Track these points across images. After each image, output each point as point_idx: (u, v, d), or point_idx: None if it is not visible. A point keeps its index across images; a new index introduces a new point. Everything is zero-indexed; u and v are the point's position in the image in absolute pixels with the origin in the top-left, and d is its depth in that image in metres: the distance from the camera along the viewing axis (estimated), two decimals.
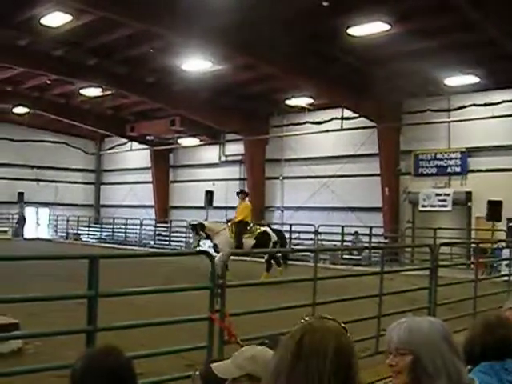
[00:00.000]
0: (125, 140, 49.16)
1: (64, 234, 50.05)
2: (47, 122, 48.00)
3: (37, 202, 51.55)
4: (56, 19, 26.27)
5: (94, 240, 47.14)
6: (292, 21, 24.86)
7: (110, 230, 48.20)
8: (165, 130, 43.00)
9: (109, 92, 38.22)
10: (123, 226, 46.89)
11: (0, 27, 29.32)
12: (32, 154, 50.20)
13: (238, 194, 23.56)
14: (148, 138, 46.41)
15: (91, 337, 7.25)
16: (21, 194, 50.14)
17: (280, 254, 21.97)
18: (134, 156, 50.17)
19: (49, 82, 38.65)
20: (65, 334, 8.64)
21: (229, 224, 22.48)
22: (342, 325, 2.53)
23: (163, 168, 48.59)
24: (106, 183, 55.32)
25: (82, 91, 38.11)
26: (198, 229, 22.60)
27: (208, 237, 22.65)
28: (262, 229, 22.62)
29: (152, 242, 43.45)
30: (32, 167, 50.84)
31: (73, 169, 53.48)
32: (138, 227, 45.68)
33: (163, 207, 48.13)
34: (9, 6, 26.50)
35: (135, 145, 48.73)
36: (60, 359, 8.79)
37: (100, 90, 37.32)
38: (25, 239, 46.90)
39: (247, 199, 23.37)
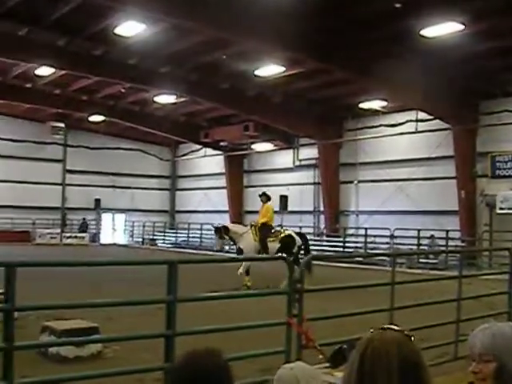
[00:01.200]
0: (199, 146, 49.48)
1: (140, 240, 50.73)
2: (122, 129, 48.78)
3: (113, 208, 52.38)
4: (129, 28, 26.63)
5: (169, 245, 47.64)
6: (366, 24, 24.66)
7: (186, 236, 48.61)
8: (239, 136, 43.13)
9: (182, 99, 38.58)
10: (198, 232, 47.21)
11: (75, 38, 29.97)
12: (108, 161, 51.06)
13: (260, 196, 22.91)
14: (222, 143, 46.63)
15: (170, 341, 7.26)
16: (97, 201, 51.04)
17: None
18: (209, 162, 50.43)
19: (123, 90, 39.24)
20: (144, 338, 8.70)
21: (251, 227, 22.03)
22: (406, 333, 2.47)
23: (237, 173, 48.74)
24: (180, 189, 55.82)
25: (155, 99, 38.56)
26: (221, 232, 22.17)
27: (232, 240, 22.38)
28: (287, 232, 22.29)
29: (227, 248, 43.56)
30: (108, 174, 51.68)
31: (148, 175, 54.16)
32: (213, 232, 45.88)
33: (237, 212, 48.21)
34: (83, 17, 27.03)
35: (209, 151, 48.98)
36: (138, 363, 8.90)
37: (174, 97, 37.69)
38: (101, 245, 47.78)
39: (270, 202, 22.74)
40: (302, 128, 39.73)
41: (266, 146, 44.89)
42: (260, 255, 20.48)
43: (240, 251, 21.35)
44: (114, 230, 53.54)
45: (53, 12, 27.26)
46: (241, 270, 20.25)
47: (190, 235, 47.99)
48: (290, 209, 39.91)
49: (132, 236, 52.40)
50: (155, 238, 50.48)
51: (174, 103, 39.74)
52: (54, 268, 16.44)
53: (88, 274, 18.35)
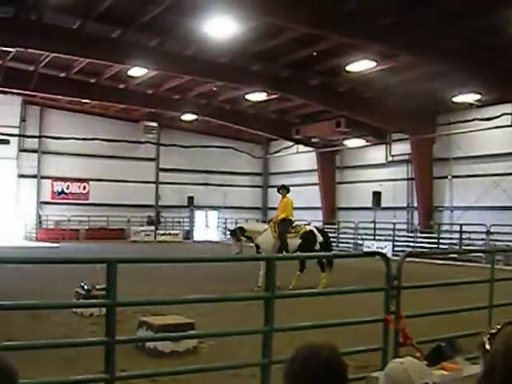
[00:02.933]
0: (291, 143, 49.46)
1: None
2: (215, 127, 49.23)
3: (206, 206, 52.95)
4: (221, 28, 26.80)
5: None
6: (457, 15, 24.20)
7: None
8: (330, 132, 42.93)
9: (274, 96, 38.65)
10: None
11: (167, 38, 30.39)
12: (200, 159, 51.60)
13: (278, 189, 21.75)
14: (314, 140, 46.47)
15: (268, 337, 7.29)
16: (191, 198, 51.68)
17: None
18: (301, 158, 50.36)
19: (215, 88, 39.57)
20: (242, 334, 8.76)
21: (270, 224, 20.81)
22: None
23: (330, 169, 48.52)
24: (272, 186, 55.89)
25: (247, 96, 38.72)
26: (238, 234, 20.40)
27: (250, 239, 20.53)
28: (308, 228, 21.10)
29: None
30: (201, 172, 52.29)
31: (240, 172, 54.51)
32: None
33: (330, 209, 48.08)
34: (175, 17, 27.36)
35: (301, 147, 48.93)
36: (233, 359, 8.96)
37: (265, 94, 37.78)
38: (195, 242, 48.37)
39: (289, 195, 21.37)
40: (394, 123, 39.22)
41: (358, 142, 44.54)
42: (279, 253, 19.21)
43: (257, 248, 20.11)
44: (207, 227, 54.11)
45: (145, 13, 27.73)
46: (261, 274, 18.35)
47: None
48: (383, 205, 39.57)
49: (225, 233, 52.81)
50: None
51: (266, 100, 39.82)
52: (150, 264, 16.76)
53: (182, 271, 18.62)
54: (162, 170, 52.31)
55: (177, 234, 49.80)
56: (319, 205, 48.37)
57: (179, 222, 52.32)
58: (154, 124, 50.10)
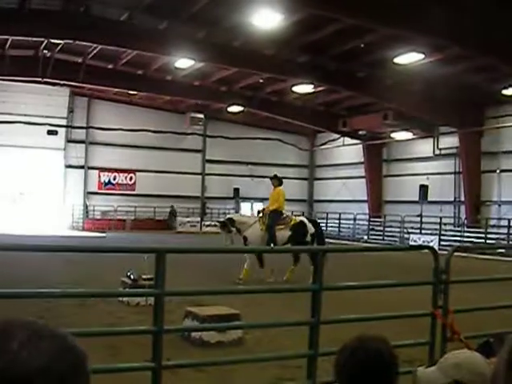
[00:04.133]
0: (337, 135, 49.28)
1: None
2: (261, 119, 49.23)
3: (252, 198, 52.98)
4: (268, 19, 26.77)
5: None
6: (508, 6, 23.82)
7: (324, 225, 48.63)
8: (377, 125, 42.67)
9: (320, 88, 38.52)
10: (336, 221, 47.17)
11: (214, 30, 30.43)
12: (247, 151, 51.68)
13: (271, 179, 20.88)
14: (360, 132, 46.25)
15: (314, 329, 7.26)
16: (236, 190, 51.79)
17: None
18: (347, 151, 50.16)
19: (261, 80, 39.56)
20: (288, 325, 8.74)
21: (260, 215, 19.88)
22: None
23: (376, 162, 48.25)
24: (318, 178, 55.83)
25: (293, 88, 38.66)
26: (228, 225, 19.46)
27: (238, 231, 19.44)
28: (298, 219, 20.27)
29: (365, 237, 43.36)
30: (247, 164, 52.34)
31: (286, 164, 54.36)
32: (352, 222, 45.80)
33: (376, 202, 47.82)
34: (221, 9, 27.40)
35: (348, 140, 48.73)
36: (279, 350, 8.95)
37: (312, 86, 37.68)
38: None
39: (281, 186, 20.47)
40: (441, 116, 38.79)
41: (405, 135, 44.20)
42: (269, 245, 18.36)
43: (244, 240, 19.08)
44: None
45: (191, 5, 27.82)
46: (245, 266, 18.04)
47: (329, 224, 47.98)
48: (429, 199, 39.24)
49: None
50: None
51: (312, 92, 39.73)
52: (196, 254, 16.82)
53: (228, 261, 18.64)
54: (208, 162, 52.52)
55: None
56: (365, 198, 48.12)
57: (225, 214, 52.39)
58: (201, 115, 50.28)
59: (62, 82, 43.24)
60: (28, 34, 32.19)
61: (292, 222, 19.40)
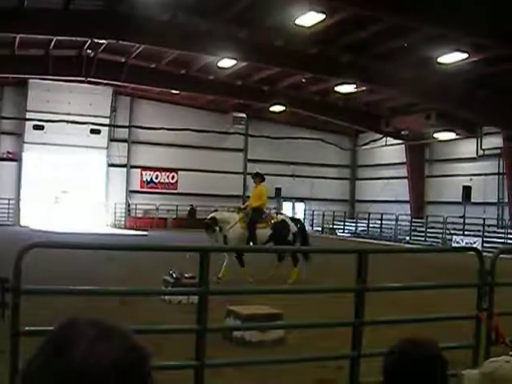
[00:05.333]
0: (379, 135, 49.02)
1: (319, 228, 51.03)
2: (303, 119, 49.18)
3: (293, 197, 52.96)
4: (310, 19, 26.73)
5: (348, 235, 47.62)
6: None
7: (365, 225, 48.43)
8: (420, 125, 42.33)
9: (363, 88, 38.34)
10: (378, 222, 46.95)
11: (256, 30, 30.46)
12: (288, 151, 51.58)
13: (253, 176, 20.15)
14: (403, 132, 45.96)
15: (358, 330, 7.22)
16: (278, 190, 51.73)
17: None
18: (389, 151, 49.83)
19: (304, 80, 39.52)
20: (331, 326, 8.71)
21: (240, 213, 19.12)
22: None
23: (419, 163, 47.87)
24: (360, 178, 55.59)
25: (336, 88, 38.51)
26: (213, 226, 18.63)
27: (220, 230, 18.63)
28: (280, 217, 19.47)
29: (407, 238, 43.06)
30: (288, 163, 52.26)
31: (328, 164, 54.32)
32: (393, 222, 45.53)
33: (419, 202, 47.45)
34: (264, 8, 27.42)
35: (390, 140, 48.44)
36: (320, 350, 8.92)
37: (354, 86, 37.51)
38: None
39: (263, 183, 19.59)
40: (485, 116, 38.29)
41: (448, 135, 43.78)
42: (250, 244, 17.94)
43: (224, 238, 18.39)
44: None
45: (234, 5, 27.89)
46: (224, 265, 17.39)
47: (370, 225, 47.78)
48: (472, 200, 38.84)
49: (312, 225, 52.75)
50: (335, 227, 50.64)
51: (355, 92, 39.57)
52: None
53: (268, 261, 18.63)
54: (250, 161, 52.51)
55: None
56: (407, 198, 47.77)
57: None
58: (243, 115, 50.44)
59: (105, 82, 43.69)
60: (72, 34, 32.56)
61: (273, 221, 18.83)
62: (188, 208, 49.50)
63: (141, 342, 1.40)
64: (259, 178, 19.53)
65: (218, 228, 18.50)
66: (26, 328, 5.99)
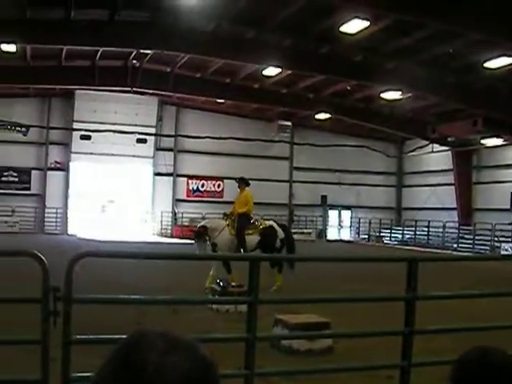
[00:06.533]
0: (426, 142, 48.58)
1: (366, 236, 50.77)
2: (348, 126, 49.03)
3: (339, 205, 52.79)
4: (354, 26, 26.70)
5: (395, 242, 47.27)
6: None
7: (412, 233, 48.02)
8: (467, 131, 41.81)
9: (408, 94, 38.10)
10: (425, 229, 46.53)
11: (301, 38, 30.48)
12: (334, 158, 51.42)
13: (237, 181, 19.71)
14: (449, 139, 45.50)
15: (408, 339, 7.13)
16: (324, 197, 51.66)
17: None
18: (436, 158, 49.36)
19: (349, 87, 39.40)
20: (380, 335, 8.63)
21: (227, 220, 18.43)
22: None
23: (466, 169, 47.35)
24: (407, 186, 55.16)
25: (381, 95, 38.34)
26: (203, 234, 18.05)
27: (209, 238, 18.07)
28: (267, 223, 18.85)
29: (455, 245, 42.60)
30: (334, 171, 52.08)
31: (374, 172, 54.02)
32: (441, 230, 45.08)
33: (466, 209, 46.92)
34: (308, 17, 27.42)
35: (436, 146, 47.98)
36: (369, 359, 8.84)
37: (399, 92, 37.30)
38: (328, 241, 48.34)
39: (247, 188, 19.10)
40: None
41: (496, 141, 43.23)
42: (239, 252, 17.52)
43: (213, 246, 17.75)
44: (340, 227, 53.95)
45: (278, 14, 27.92)
46: (211, 274, 16.97)
47: (417, 232, 47.37)
48: None
49: (358, 233, 52.53)
50: (381, 234, 50.33)
51: (400, 99, 39.33)
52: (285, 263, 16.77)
53: (315, 269, 18.57)
54: (296, 169, 52.50)
55: (309, 233, 49.89)
56: (455, 205, 47.27)
57: (312, 221, 52.33)
58: (288, 123, 50.43)
59: (150, 91, 44.05)
60: (117, 45, 32.90)
61: (261, 227, 18.34)
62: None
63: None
64: (243, 183, 19.17)
65: (207, 237, 17.98)
66: (78, 336, 6.04)
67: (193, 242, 18.15)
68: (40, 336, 5.87)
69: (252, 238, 17.84)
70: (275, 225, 18.82)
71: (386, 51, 31.55)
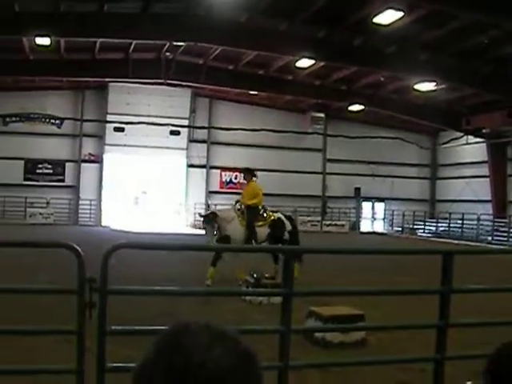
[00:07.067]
0: (460, 134, 48.18)
1: (399, 229, 50.53)
2: (382, 118, 48.75)
3: (373, 197, 52.60)
4: (388, 17, 26.56)
5: (429, 235, 46.98)
6: None
7: (446, 225, 47.69)
8: (502, 122, 41.38)
9: (442, 86, 37.81)
10: (459, 221, 46.18)
11: (334, 29, 30.38)
12: (367, 150, 51.16)
13: (243, 172, 19.60)
14: (484, 130, 45.07)
15: (442, 332, 7.09)
16: (357, 189, 51.49)
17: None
18: (470, 149, 48.90)
19: (382, 78, 39.20)
20: (414, 328, 8.60)
21: (236, 209, 18.03)
22: None
23: (501, 161, 46.79)
24: (441, 178, 54.75)
25: (415, 86, 38.08)
26: (212, 220, 17.62)
27: (218, 228, 17.58)
28: (276, 215, 18.56)
29: (489, 238, 42.23)
30: (368, 163, 51.85)
31: (408, 164, 53.70)
32: (475, 222, 44.71)
33: (501, 202, 46.45)
34: (341, 8, 27.33)
35: (471, 138, 47.55)
36: (402, 352, 8.82)
37: (433, 84, 37.02)
38: (361, 233, 48.20)
39: (255, 179, 18.73)
40: None
41: None
42: (249, 243, 16.93)
43: (226, 239, 17.20)
44: (373, 219, 53.75)
45: (311, 5, 27.84)
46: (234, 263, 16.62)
47: (451, 225, 47.02)
48: None
49: (391, 225, 52.31)
50: (415, 227, 50.05)
51: (434, 90, 39.04)
52: (316, 254, 16.74)
53: (346, 262, 18.53)
54: (329, 161, 52.32)
55: (343, 225, 49.83)
56: (489, 198, 46.82)
57: (345, 213, 52.19)
58: (321, 115, 50.24)
59: (184, 84, 44.16)
60: (151, 38, 33.01)
61: (270, 218, 18.09)
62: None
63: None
64: (250, 174, 18.78)
65: (216, 225, 17.50)
66: (113, 327, 6.09)
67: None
68: (76, 326, 5.93)
69: (262, 230, 17.64)
70: (283, 217, 18.69)
71: (419, 42, 31.31)
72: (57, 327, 7.75)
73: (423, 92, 39.59)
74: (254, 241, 17.26)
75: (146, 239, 23.75)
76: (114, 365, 6.13)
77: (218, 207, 49.20)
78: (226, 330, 1.39)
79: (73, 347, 6.08)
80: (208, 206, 49.38)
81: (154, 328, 7.26)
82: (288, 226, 18.14)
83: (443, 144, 53.08)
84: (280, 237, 17.63)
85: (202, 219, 17.88)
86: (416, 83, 37.47)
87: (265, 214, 18.08)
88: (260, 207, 18.21)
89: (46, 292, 8.36)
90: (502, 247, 35.69)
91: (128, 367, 6.63)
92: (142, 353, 1.38)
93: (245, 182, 19.35)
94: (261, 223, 17.68)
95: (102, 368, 5.88)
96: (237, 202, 18.54)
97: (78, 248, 5.87)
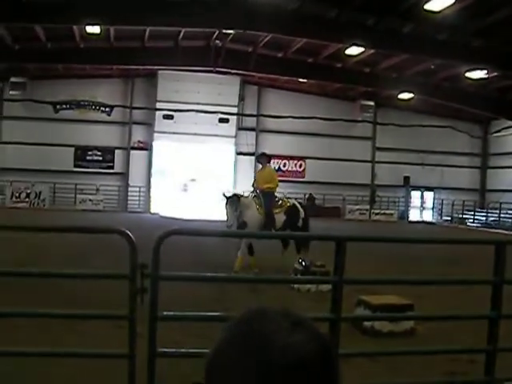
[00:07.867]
0: None
1: (448, 218, 50.07)
2: (432, 106, 48.25)
3: (422, 186, 52.19)
4: (439, 3, 26.26)
5: (478, 225, 46.46)
6: None
7: (496, 216, 47.10)
8: None
9: (495, 73, 37.27)
10: (510, 212, 45.59)
11: (384, 16, 30.12)
12: (417, 139, 50.68)
13: (257, 157, 19.13)
14: None
15: (494, 323, 7.02)
16: (406, 178, 51.13)
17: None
18: None
19: (433, 66, 38.76)
20: (464, 318, 8.52)
21: (252, 196, 17.71)
22: None
23: None
24: (492, 167, 54.02)
25: (467, 74, 37.61)
26: (235, 202, 17.21)
27: (239, 212, 17.21)
28: (291, 201, 18.30)
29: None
30: (417, 151, 51.38)
31: (458, 153, 53.09)
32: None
33: None
34: None
35: None
36: (451, 343, 8.75)
37: (485, 72, 36.52)
38: (409, 222, 47.90)
39: (270, 164, 18.46)
40: None
41: None
42: (266, 230, 16.68)
43: (243, 225, 16.87)
44: (422, 208, 53.34)
45: None
46: (240, 253, 16.51)
47: (502, 215, 46.41)
48: None
49: (440, 214, 51.84)
50: (464, 216, 49.54)
51: (486, 78, 38.49)
52: (366, 243, 16.67)
53: (397, 251, 18.41)
54: (378, 149, 52.01)
55: (391, 214, 49.55)
56: None
57: (394, 202, 51.87)
58: (371, 103, 49.95)
59: (233, 71, 44.24)
60: (200, 25, 33.10)
61: (287, 205, 17.79)
62: (307, 196, 49.38)
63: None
64: (266, 158, 18.51)
65: (238, 209, 17.17)
66: (164, 313, 6.15)
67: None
68: (128, 312, 6.00)
69: (279, 217, 17.35)
70: (297, 203, 18.48)
71: (471, 29, 30.89)
72: (109, 312, 7.87)
73: (475, 80, 39.07)
74: (272, 228, 17.07)
75: (195, 226, 23.86)
76: (165, 350, 6.20)
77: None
78: (303, 317, 1.39)
79: (125, 332, 6.16)
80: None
81: (205, 314, 7.35)
82: (302, 214, 17.83)
83: (495, 133, 52.38)
84: (295, 223, 17.44)
85: (225, 200, 17.53)
86: (467, 71, 37.00)
87: (280, 202, 17.87)
88: (275, 193, 17.96)
89: (98, 277, 8.48)
90: None
91: (178, 352, 6.72)
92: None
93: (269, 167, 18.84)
94: (277, 210, 17.45)
95: (153, 353, 5.95)
96: (253, 187, 18.21)
97: (130, 234, 5.93)
